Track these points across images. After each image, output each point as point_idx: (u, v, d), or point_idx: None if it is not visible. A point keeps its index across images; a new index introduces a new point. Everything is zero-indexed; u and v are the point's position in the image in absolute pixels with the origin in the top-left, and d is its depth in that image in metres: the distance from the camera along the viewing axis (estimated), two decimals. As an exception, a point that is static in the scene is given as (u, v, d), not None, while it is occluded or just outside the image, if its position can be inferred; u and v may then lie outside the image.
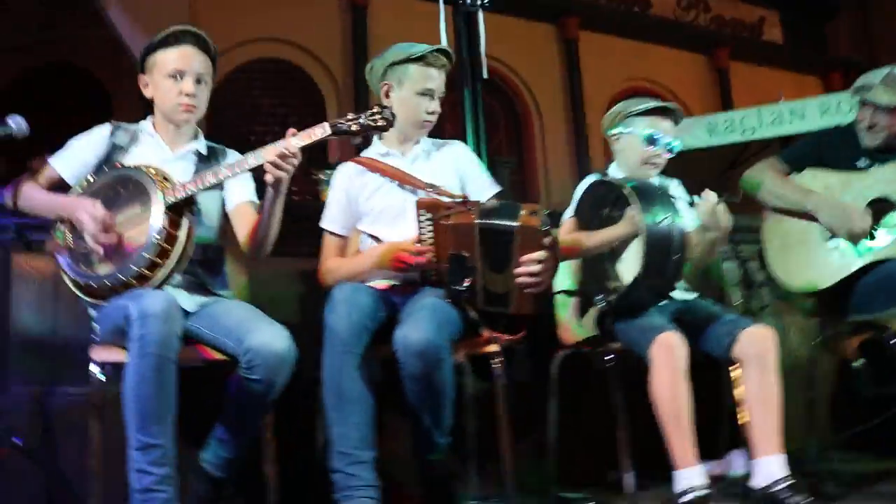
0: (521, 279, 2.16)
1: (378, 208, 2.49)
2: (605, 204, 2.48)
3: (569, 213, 2.63)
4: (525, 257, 2.15)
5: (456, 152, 2.61)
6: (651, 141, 2.58)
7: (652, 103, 2.62)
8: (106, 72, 7.11)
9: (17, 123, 2.21)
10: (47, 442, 2.72)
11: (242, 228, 2.36)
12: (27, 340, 2.87)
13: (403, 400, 2.13)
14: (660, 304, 2.42)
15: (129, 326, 1.93)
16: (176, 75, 2.30)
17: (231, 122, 6.96)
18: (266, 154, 2.10)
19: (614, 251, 2.43)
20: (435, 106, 2.51)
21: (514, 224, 2.16)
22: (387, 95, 2.52)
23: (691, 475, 2.14)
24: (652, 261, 2.27)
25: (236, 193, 2.41)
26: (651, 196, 2.34)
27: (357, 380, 2.07)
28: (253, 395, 2.05)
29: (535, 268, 2.15)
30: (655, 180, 2.63)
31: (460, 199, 2.32)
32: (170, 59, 2.30)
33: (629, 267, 2.35)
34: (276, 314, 2.15)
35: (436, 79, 2.49)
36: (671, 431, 2.18)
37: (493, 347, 2.27)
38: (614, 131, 2.67)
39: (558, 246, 2.31)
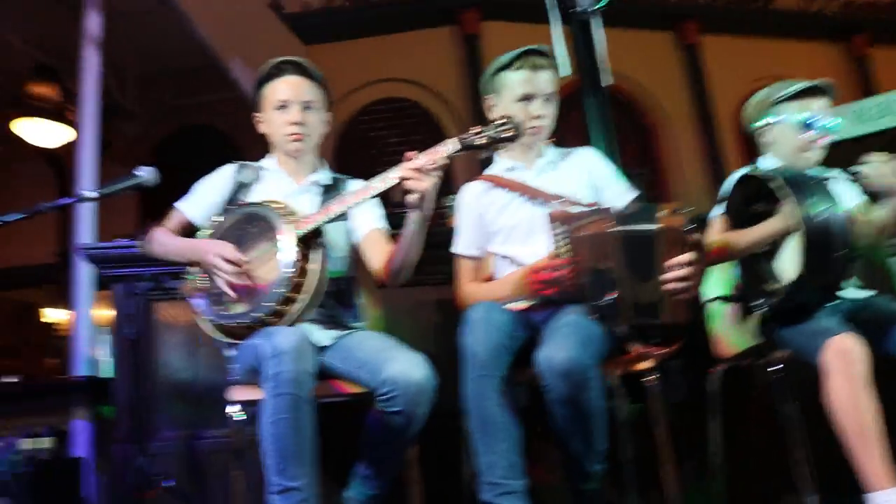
0: (669, 285, 1.98)
1: (508, 225, 2.39)
2: (756, 199, 2.26)
3: (717, 212, 2.41)
4: (671, 261, 1.98)
5: (585, 159, 2.46)
6: (807, 125, 2.35)
7: (800, 84, 2.39)
8: (239, 130, 7.47)
9: (147, 172, 2.30)
10: (196, 484, 2.75)
11: (375, 255, 2.30)
12: (173, 386, 2.95)
13: (552, 426, 1.98)
14: (829, 304, 2.17)
15: (262, 365, 1.89)
16: (282, 106, 2.31)
17: (358, 162, 7.08)
18: (392, 175, 2.04)
19: (771, 250, 2.21)
20: (540, 109, 2.37)
21: (655, 227, 1.99)
22: (489, 111, 2.43)
23: (889, 499, 1.86)
24: (814, 257, 2.03)
25: (364, 221, 2.36)
26: (806, 186, 2.10)
27: (500, 404, 1.93)
28: (393, 428, 1.96)
29: (684, 271, 1.97)
30: (817, 170, 2.39)
31: (593, 208, 2.17)
32: (275, 90, 2.32)
33: (789, 266, 2.12)
34: (413, 345, 2.06)
35: (533, 81, 2.36)
36: (857, 448, 1.92)
37: (646, 364, 2.07)
38: (761, 122, 2.45)
39: (704, 245, 2.12)
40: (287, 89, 2.32)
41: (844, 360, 1.95)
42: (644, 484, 2.56)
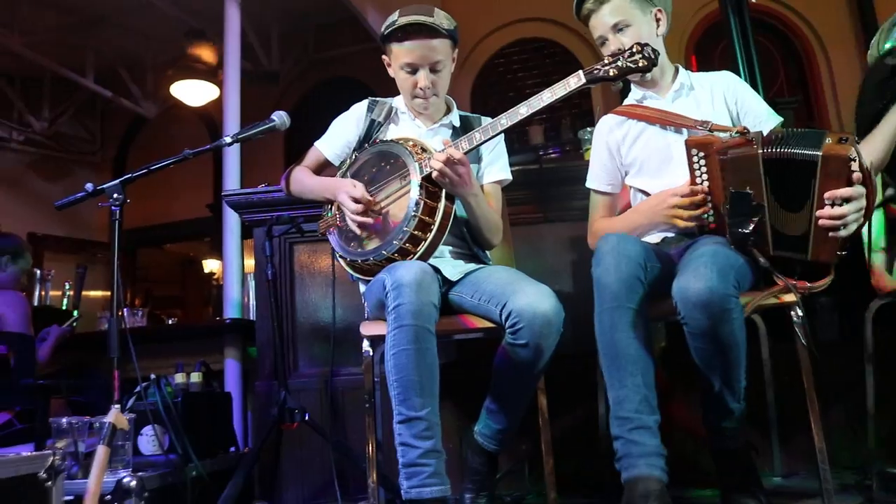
0: (823, 221, 1.82)
1: (642, 157, 2.27)
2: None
3: None
4: (830, 193, 1.80)
5: (724, 82, 2.29)
6: None
7: None
8: (381, 79, 7.57)
9: (279, 118, 2.33)
10: (332, 418, 2.84)
11: None
12: (311, 325, 3.04)
13: (689, 364, 1.88)
14: None
15: (385, 298, 1.90)
16: (410, 69, 2.25)
17: (495, 105, 7.01)
18: (521, 111, 1.98)
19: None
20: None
21: (818, 153, 1.81)
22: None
23: None
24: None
25: (487, 171, 2.35)
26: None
27: (633, 337, 1.84)
28: (520, 361, 1.92)
29: (843, 209, 1.80)
30: None
31: (738, 132, 2.01)
32: (402, 53, 2.25)
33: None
34: (545, 279, 2.00)
35: (415, 52, 2.22)
36: None
37: (791, 297, 1.91)
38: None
39: (873, 182, 1.90)
40: (414, 53, 2.23)
41: None
42: (787, 428, 2.42)
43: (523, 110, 1.99)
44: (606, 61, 1.93)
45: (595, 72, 1.93)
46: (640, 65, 1.91)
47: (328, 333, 2.92)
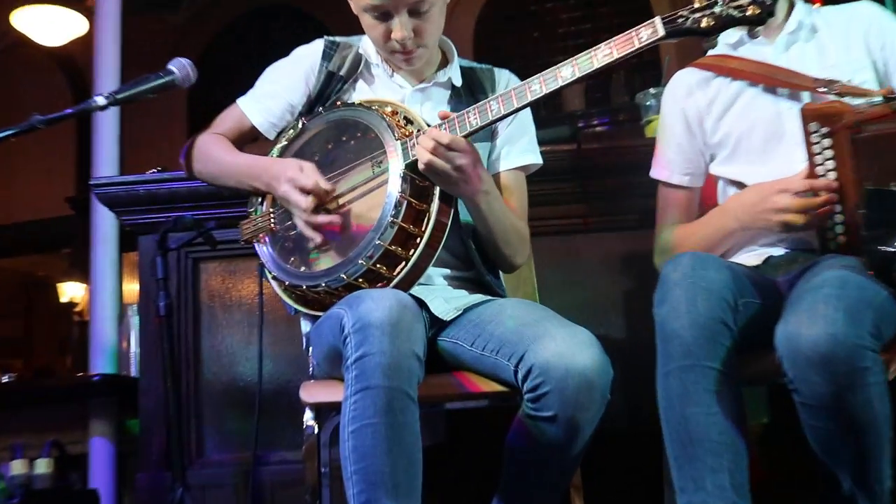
0: None
1: (737, 133, 2.32)
2: None
3: None
4: None
5: (865, 18, 2.33)
6: None
7: None
8: (324, 10, 7.63)
9: (180, 68, 2.31)
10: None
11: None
12: (225, 386, 3.05)
13: (803, 451, 1.89)
14: None
15: (343, 346, 1.89)
16: (376, 13, 2.21)
17: (511, 54, 7.06)
18: (564, 73, 1.98)
19: None
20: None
21: None
22: None
23: None
24: None
25: (505, 152, 2.38)
26: None
27: (715, 412, 1.85)
28: (546, 444, 1.93)
29: None
30: None
31: (884, 96, 2.04)
32: None
33: None
34: (584, 319, 2.03)
35: None
36: None
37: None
38: None
39: None
40: None
41: None
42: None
43: (567, 72, 1.99)
44: (697, 5, 1.94)
45: (680, 20, 1.93)
46: (750, 13, 1.91)
47: (251, 399, 2.93)
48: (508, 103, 2.06)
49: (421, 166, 2.05)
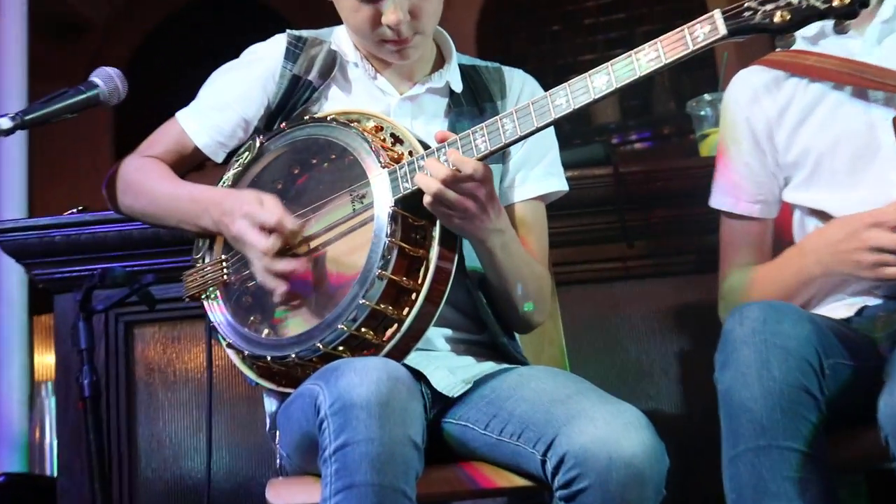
0: None
1: (816, 150, 2.33)
2: None
3: None
4: None
5: None
6: None
7: None
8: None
9: (106, 79, 2.28)
10: None
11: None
12: (174, 489, 3.05)
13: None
14: None
15: (319, 432, 1.89)
16: None
17: (522, 51, 7.11)
18: (597, 83, 1.97)
19: None
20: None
21: None
22: None
23: None
24: None
25: (521, 179, 2.39)
26: None
27: (795, 499, 1.85)
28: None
29: None
30: None
31: None
32: None
33: None
34: (627, 392, 2.04)
35: None
36: None
37: None
38: None
39: None
40: None
41: None
42: None
43: (601, 81, 1.97)
44: None
45: (747, 14, 1.93)
46: (838, 4, 1.88)
47: (201, 501, 2.93)
48: (526, 122, 2.03)
49: (427, 200, 2.02)
